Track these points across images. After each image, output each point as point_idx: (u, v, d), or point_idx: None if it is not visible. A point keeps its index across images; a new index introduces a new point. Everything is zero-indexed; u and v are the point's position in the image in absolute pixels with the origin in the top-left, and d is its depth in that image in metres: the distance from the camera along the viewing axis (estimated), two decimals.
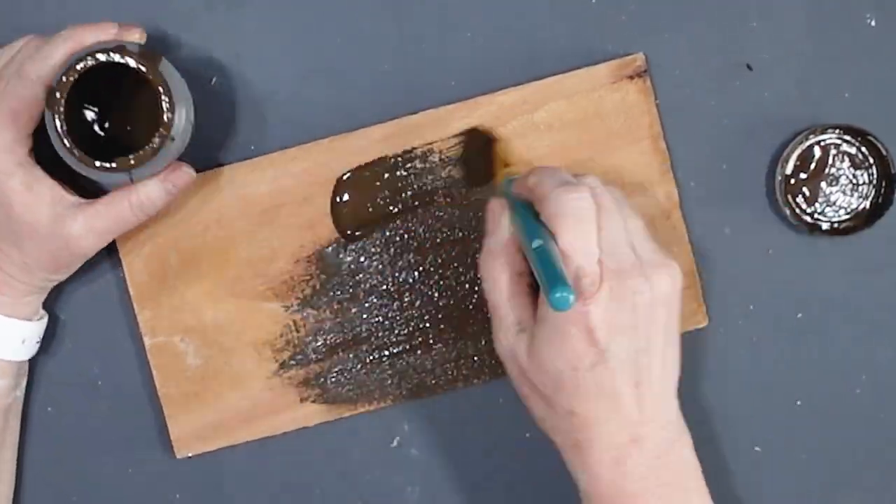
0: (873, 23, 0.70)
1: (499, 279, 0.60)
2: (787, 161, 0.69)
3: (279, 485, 0.72)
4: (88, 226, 0.65)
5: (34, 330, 0.69)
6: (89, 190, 0.68)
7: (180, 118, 0.63)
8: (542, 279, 0.56)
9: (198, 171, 0.70)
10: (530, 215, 0.60)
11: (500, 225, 0.61)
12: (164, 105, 0.62)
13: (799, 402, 0.71)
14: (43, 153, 0.65)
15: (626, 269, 0.57)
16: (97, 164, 0.62)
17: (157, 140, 0.62)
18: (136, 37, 0.65)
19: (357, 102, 0.71)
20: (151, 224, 0.70)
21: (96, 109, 0.69)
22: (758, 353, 0.71)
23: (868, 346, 0.71)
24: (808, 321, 0.71)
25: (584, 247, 0.57)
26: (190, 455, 0.72)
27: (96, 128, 0.69)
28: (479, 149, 0.70)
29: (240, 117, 0.71)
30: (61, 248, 0.65)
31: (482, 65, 0.71)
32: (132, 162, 0.62)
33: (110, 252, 0.71)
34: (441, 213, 0.71)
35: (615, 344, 0.57)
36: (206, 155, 0.71)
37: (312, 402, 0.71)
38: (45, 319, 0.70)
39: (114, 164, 0.62)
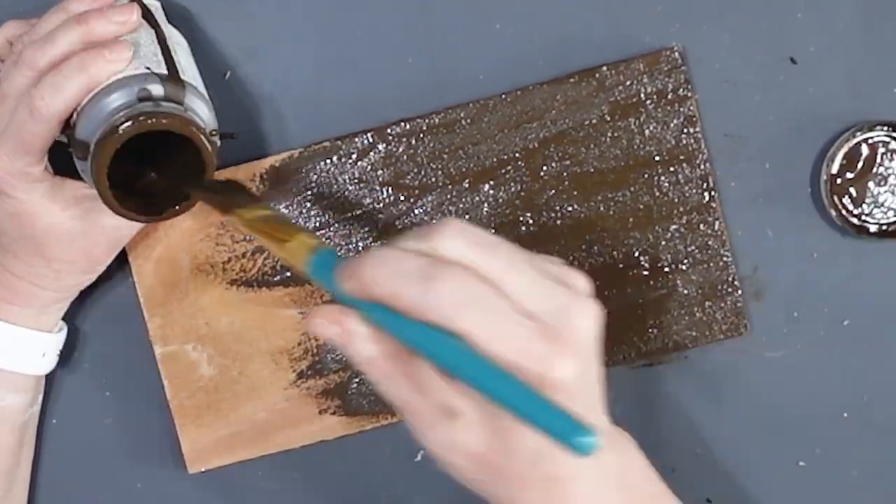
0: None
1: (394, 376, 0.49)
2: (832, 160, 0.68)
3: (297, 502, 0.71)
4: None
5: (54, 342, 0.68)
6: None
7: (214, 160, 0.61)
8: (525, 416, 0.45)
9: None
10: (415, 323, 0.46)
11: (356, 336, 0.49)
12: (206, 158, 0.60)
13: (846, 415, 0.70)
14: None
15: (555, 310, 0.47)
16: (145, 217, 0.61)
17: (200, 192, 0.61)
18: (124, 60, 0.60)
19: (379, 98, 0.70)
20: (162, 226, 0.70)
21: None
22: (802, 361, 0.70)
23: None
24: (856, 328, 0.70)
25: (507, 331, 0.45)
26: (203, 470, 0.71)
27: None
28: None
29: (255, 114, 0.70)
30: (96, 243, 0.65)
31: (512, 58, 0.69)
32: (178, 209, 0.62)
33: (119, 256, 0.70)
34: (465, 217, 0.69)
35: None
36: (221, 153, 0.69)
37: (332, 414, 0.70)
38: (65, 331, 0.70)
39: (164, 214, 0.61)
